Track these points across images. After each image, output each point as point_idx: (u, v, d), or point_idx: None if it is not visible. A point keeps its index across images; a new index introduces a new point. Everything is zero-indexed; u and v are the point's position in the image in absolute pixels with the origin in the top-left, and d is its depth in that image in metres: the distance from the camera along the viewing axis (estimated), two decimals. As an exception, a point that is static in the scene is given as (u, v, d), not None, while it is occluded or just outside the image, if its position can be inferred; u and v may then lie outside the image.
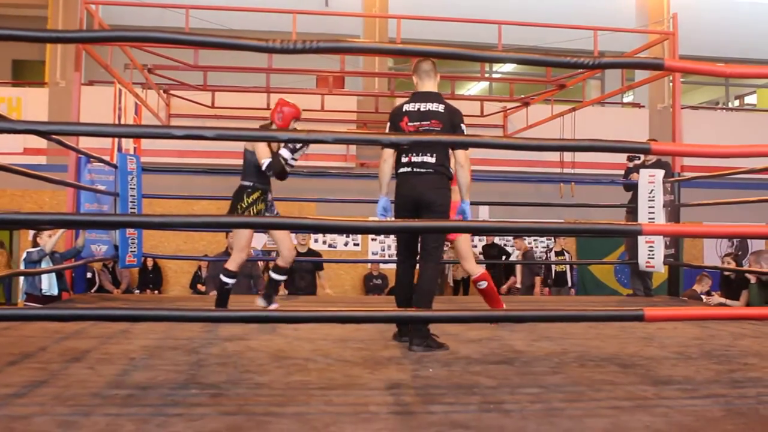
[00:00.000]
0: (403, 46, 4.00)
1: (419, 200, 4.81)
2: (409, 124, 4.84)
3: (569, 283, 12.40)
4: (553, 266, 12.48)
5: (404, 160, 4.86)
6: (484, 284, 5.80)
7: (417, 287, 4.82)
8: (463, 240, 5.88)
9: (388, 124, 4.97)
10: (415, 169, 4.83)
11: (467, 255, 5.87)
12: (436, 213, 4.78)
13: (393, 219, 4.97)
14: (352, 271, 13.21)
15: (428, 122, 4.80)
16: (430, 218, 4.73)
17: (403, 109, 4.91)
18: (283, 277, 6.45)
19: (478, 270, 5.86)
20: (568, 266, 12.31)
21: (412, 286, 4.96)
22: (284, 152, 5.93)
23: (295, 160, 6.07)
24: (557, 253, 12.64)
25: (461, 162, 4.85)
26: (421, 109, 4.84)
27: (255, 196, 6.14)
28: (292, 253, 6.34)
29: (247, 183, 6.18)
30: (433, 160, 4.79)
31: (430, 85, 4.96)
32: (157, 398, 3.23)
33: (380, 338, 4.99)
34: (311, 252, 9.46)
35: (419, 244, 4.90)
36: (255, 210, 6.12)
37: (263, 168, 5.98)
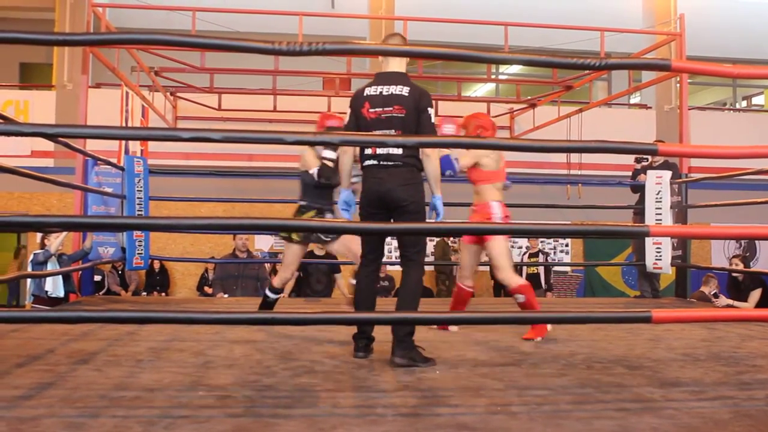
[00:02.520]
0: (409, 48, 4.00)
1: (387, 197, 4.35)
2: (371, 110, 4.35)
3: (543, 285, 12.25)
4: (524, 268, 12.38)
5: (368, 151, 4.39)
6: (521, 298, 5.16)
7: (399, 296, 4.41)
8: (497, 244, 5.27)
9: (349, 110, 4.49)
10: (381, 162, 4.36)
11: (501, 263, 5.26)
12: (410, 213, 4.33)
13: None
14: (358, 274, 13.18)
15: (391, 108, 4.31)
16: (404, 220, 4.32)
17: (365, 93, 4.42)
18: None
19: (515, 281, 5.24)
20: (542, 268, 12.17)
21: (375, 292, 4.58)
22: (326, 152, 5.60)
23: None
24: (532, 255, 12.58)
25: (426, 151, 4.32)
26: (384, 93, 4.33)
27: (309, 215, 5.89)
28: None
29: (302, 202, 5.95)
30: (400, 151, 4.28)
31: (395, 64, 4.43)
32: (164, 400, 3.24)
33: (386, 340, 4.98)
34: (328, 255, 9.45)
35: (400, 249, 4.47)
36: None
37: (315, 177, 5.72)
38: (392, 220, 4.39)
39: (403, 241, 4.44)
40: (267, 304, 5.99)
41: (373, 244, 4.58)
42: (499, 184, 5.42)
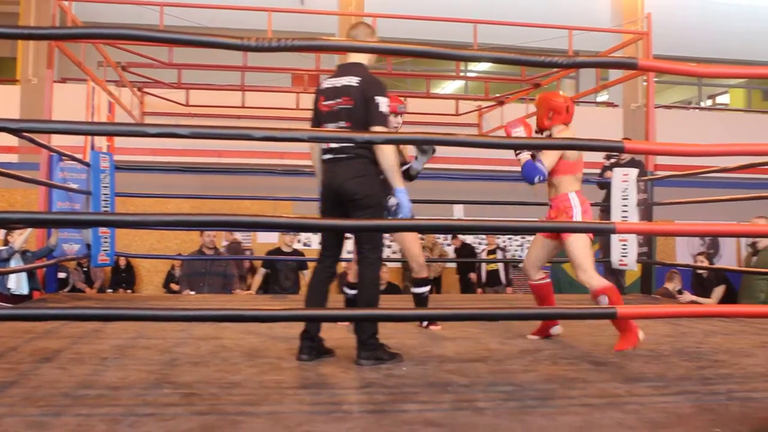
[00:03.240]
0: (378, 45, 4.00)
1: (339, 191, 4.22)
2: (324, 103, 4.28)
3: (503, 282, 12.30)
4: (483, 265, 12.42)
5: (323, 145, 4.32)
6: (605, 300, 4.65)
7: (357, 296, 4.30)
8: (578, 243, 4.79)
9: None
10: (335, 156, 4.25)
11: (581, 262, 4.80)
12: (362, 208, 4.17)
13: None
14: (327, 270, 13.17)
15: (340, 100, 4.20)
16: (357, 215, 4.18)
17: (321, 87, 4.37)
18: (424, 289, 5.78)
19: (597, 282, 4.76)
20: (501, 265, 12.21)
21: (325, 291, 4.40)
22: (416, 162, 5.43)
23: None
24: (490, 252, 12.63)
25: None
26: (336, 86, 4.24)
27: None
28: (420, 260, 5.70)
29: None
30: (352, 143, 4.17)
31: (354, 55, 4.33)
32: (129, 398, 3.21)
33: (353, 336, 4.99)
34: (296, 252, 9.43)
35: (355, 246, 4.40)
36: None
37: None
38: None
39: (358, 237, 4.33)
40: (347, 303, 5.84)
41: (327, 241, 4.47)
42: (579, 175, 5.04)
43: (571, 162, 4.94)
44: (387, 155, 4.12)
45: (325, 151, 4.30)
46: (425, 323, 5.56)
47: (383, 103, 4.14)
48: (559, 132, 5.01)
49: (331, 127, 4.23)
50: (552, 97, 5.10)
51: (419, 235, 6.64)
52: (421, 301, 5.73)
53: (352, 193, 4.18)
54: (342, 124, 4.18)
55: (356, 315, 4.16)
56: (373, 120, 4.12)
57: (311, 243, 13.29)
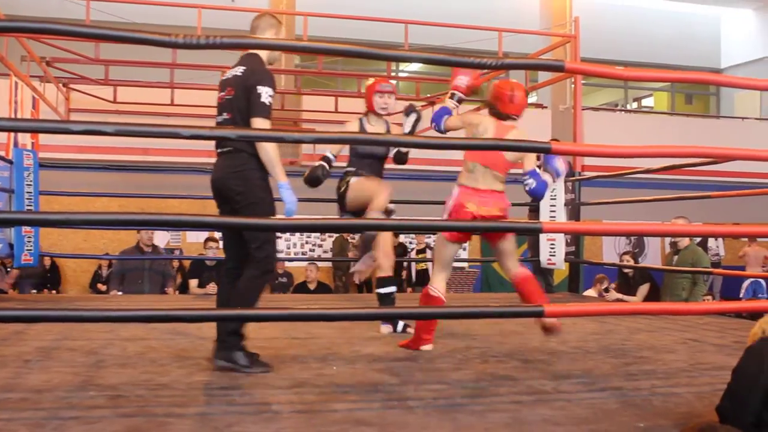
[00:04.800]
0: (309, 44, 4.00)
1: (220, 186, 4.04)
2: (219, 95, 4.12)
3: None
4: (413, 265, 12.49)
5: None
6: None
7: (235, 293, 4.00)
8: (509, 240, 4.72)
9: None
10: (219, 150, 4.07)
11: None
12: (240, 205, 3.96)
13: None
14: (257, 270, 13.08)
15: (224, 92, 4.06)
16: (237, 212, 3.97)
17: (221, 79, 4.19)
18: (391, 289, 5.41)
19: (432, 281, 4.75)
20: (431, 264, 12.28)
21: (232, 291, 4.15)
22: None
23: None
24: (419, 251, 12.71)
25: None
26: (227, 77, 4.09)
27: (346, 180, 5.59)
28: (389, 259, 5.42)
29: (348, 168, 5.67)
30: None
31: None
32: (53, 401, 3.15)
33: (284, 337, 4.97)
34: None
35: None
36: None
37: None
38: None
39: (245, 236, 4.04)
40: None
41: (226, 242, 4.22)
42: (470, 165, 4.63)
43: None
44: (265, 148, 3.91)
45: (215, 146, 4.13)
46: (400, 328, 5.30)
47: (265, 93, 3.90)
48: (482, 116, 4.72)
49: (218, 119, 4.07)
50: (499, 84, 4.70)
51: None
52: (386, 301, 5.37)
53: (228, 188, 4.00)
54: (225, 116, 4.02)
55: (306, 314, 4.12)
56: (253, 110, 3.91)
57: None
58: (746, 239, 13.14)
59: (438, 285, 4.67)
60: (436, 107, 4.80)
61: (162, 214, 3.70)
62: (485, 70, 4.28)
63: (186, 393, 3.36)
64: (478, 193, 4.57)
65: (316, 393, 3.40)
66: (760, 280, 11.35)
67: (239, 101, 3.94)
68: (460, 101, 4.84)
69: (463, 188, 4.60)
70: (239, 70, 4.01)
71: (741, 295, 11.44)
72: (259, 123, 3.88)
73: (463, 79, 4.77)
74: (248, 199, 3.95)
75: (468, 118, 4.83)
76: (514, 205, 9.57)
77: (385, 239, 5.42)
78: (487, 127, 4.58)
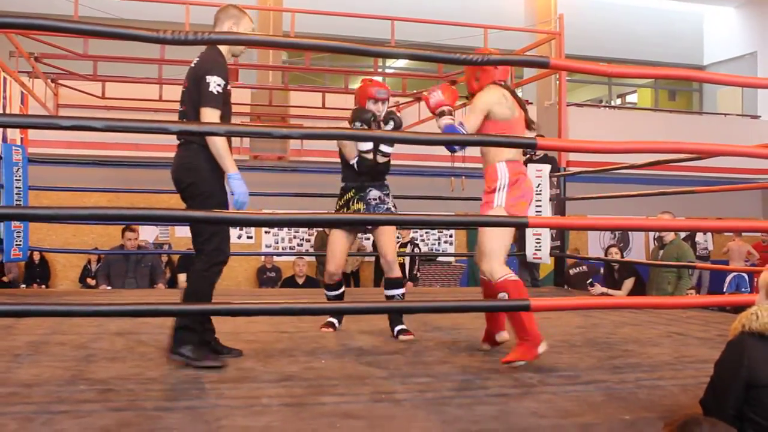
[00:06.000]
0: (296, 40, 3.97)
1: (174, 180, 3.98)
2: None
3: (406, 276, 12.22)
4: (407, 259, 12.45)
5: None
6: (504, 296, 4.04)
7: (186, 288, 3.98)
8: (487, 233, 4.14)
9: None
10: (177, 143, 3.99)
11: (489, 250, 4.12)
12: (188, 198, 3.94)
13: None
14: (245, 264, 13.05)
15: (182, 84, 3.99)
16: (188, 206, 3.93)
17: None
18: (400, 291, 5.10)
19: (500, 275, 4.08)
20: (407, 258, 12.17)
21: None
22: (362, 145, 4.98)
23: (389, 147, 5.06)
24: (402, 245, 12.68)
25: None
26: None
27: (348, 196, 5.17)
28: (394, 259, 5.09)
29: (342, 184, 5.26)
30: None
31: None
32: (43, 395, 3.13)
33: (273, 330, 4.96)
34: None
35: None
36: (351, 211, 5.12)
37: (356, 168, 5.10)
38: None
39: (191, 229, 3.98)
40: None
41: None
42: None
43: (502, 123, 4.12)
44: (213, 140, 3.78)
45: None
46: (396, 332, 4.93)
47: (213, 83, 3.80)
48: (488, 92, 4.17)
49: (179, 111, 4.00)
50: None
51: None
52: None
53: (178, 181, 3.95)
54: (181, 108, 3.97)
55: (294, 308, 4.10)
56: (201, 100, 3.81)
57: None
58: (731, 234, 13.20)
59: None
60: (442, 130, 4.11)
61: (150, 209, 3.68)
62: (470, 66, 4.18)
63: (176, 387, 3.35)
64: (521, 165, 4.28)
65: (304, 386, 3.40)
66: (743, 274, 11.42)
67: (192, 92, 3.88)
68: (451, 113, 4.29)
69: (511, 163, 4.13)
70: (194, 62, 3.95)
71: (724, 289, 11.51)
72: (207, 112, 3.78)
73: (436, 95, 4.18)
74: (194, 191, 3.90)
75: (481, 103, 4.13)
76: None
77: (388, 238, 5.09)
78: (505, 95, 4.18)
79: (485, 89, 4.17)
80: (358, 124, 4.83)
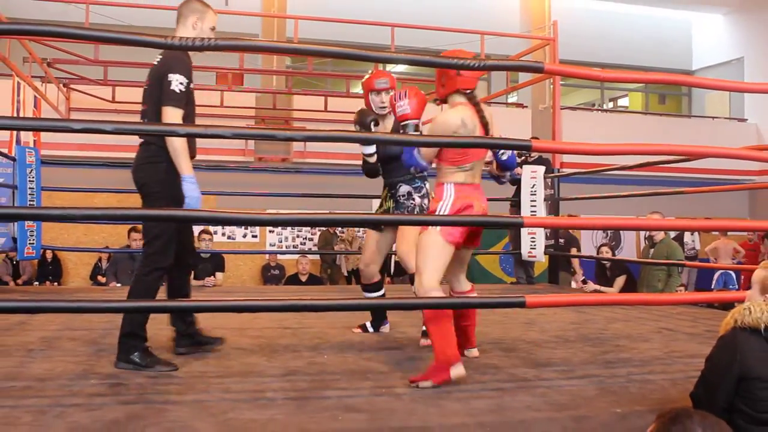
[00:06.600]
0: (299, 46, 3.98)
1: (133, 181, 3.87)
2: None
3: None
4: (393, 256, 12.34)
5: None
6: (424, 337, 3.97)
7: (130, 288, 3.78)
8: (422, 242, 3.65)
9: None
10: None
11: (420, 266, 3.63)
12: (144, 197, 3.84)
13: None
14: (250, 262, 13.06)
15: (145, 82, 3.84)
16: (144, 205, 3.83)
17: None
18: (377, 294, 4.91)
19: (426, 287, 3.57)
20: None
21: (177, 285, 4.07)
22: (365, 149, 4.69)
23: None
24: None
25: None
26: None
27: (384, 194, 4.94)
28: (401, 258, 4.75)
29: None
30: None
31: (179, 30, 3.90)
32: (56, 389, 3.13)
33: (277, 326, 4.96)
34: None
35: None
36: (382, 210, 4.94)
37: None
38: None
39: (142, 228, 3.82)
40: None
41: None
42: (468, 166, 3.67)
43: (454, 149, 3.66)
44: (170, 140, 3.64)
45: None
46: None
47: (175, 81, 3.65)
48: (453, 105, 3.79)
49: (141, 111, 3.87)
50: (444, 56, 3.76)
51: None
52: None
53: (135, 180, 3.84)
54: (143, 107, 3.84)
55: (298, 305, 4.10)
56: (164, 98, 3.65)
57: (235, 236, 13.15)
58: (717, 233, 13.20)
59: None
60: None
61: (157, 210, 3.67)
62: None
63: (183, 381, 3.35)
64: (478, 189, 3.76)
65: (307, 381, 3.40)
66: (730, 271, 11.41)
67: (154, 90, 3.73)
68: (417, 127, 4.09)
69: (461, 186, 3.67)
70: (156, 60, 3.82)
71: (712, 286, 11.50)
72: (168, 111, 3.64)
73: (403, 106, 3.98)
74: (148, 191, 3.80)
75: (440, 130, 3.67)
76: (498, 200, 9.65)
77: (410, 246, 4.43)
78: (466, 117, 3.69)
79: (449, 111, 3.72)
80: (358, 128, 4.62)
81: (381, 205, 4.98)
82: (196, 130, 3.37)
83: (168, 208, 3.66)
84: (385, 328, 4.94)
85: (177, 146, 3.64)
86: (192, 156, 3.89)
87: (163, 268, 3.77)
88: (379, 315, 4.91)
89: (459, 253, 3.81)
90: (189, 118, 3.80)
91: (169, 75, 3.66)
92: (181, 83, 3.68)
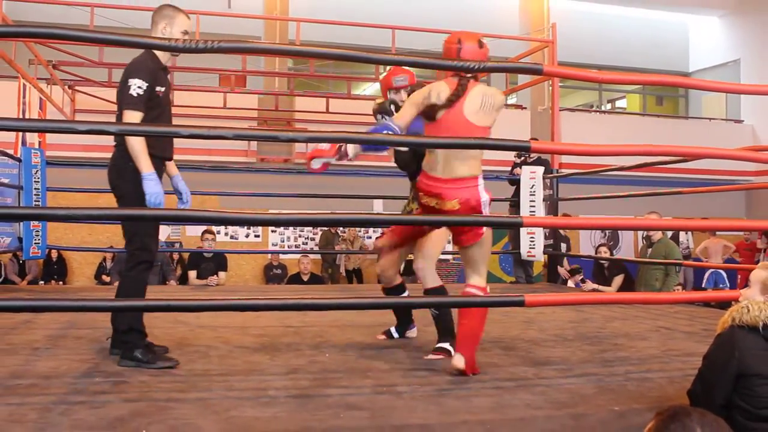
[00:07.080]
0: (301, 48, 3.96)
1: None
2: None
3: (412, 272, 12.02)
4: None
5: None
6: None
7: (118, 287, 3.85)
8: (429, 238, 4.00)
9: None
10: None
11: (426, 253, 4.04)
12: (117, 198, 3.86)
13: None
14: (252, 262, 13.07)
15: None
16: (119, 207, 3.84)
17: None
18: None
19: (432, 282, 4.02)
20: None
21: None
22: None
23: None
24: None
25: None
26: None
27: (411, 195, 4.72)
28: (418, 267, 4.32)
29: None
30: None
31: (153, 31, 3.89)
32: (61, 387, 3.13)
33: (279, 325, 4.96)
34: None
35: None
36: (408, 210, 4.72)
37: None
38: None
39: (123, 228, 3.86)
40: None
41: None
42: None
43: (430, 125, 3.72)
44: (129, 139, 3.62)
45: None
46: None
47: (134, 85, 3.64)
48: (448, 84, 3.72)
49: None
50: (447, 39, 3.79)
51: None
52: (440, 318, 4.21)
53: (109, 182, 3.85)
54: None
55: (302, 304, 4.09)
56: (122, 102, 3.68)
57: (238, 236, 13.15)
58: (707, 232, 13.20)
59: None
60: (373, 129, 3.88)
61: (161, 210, 3.67)
62: (467, 73, 4.06)
63: (187, 379, 3.34)
64: (437, 182, 3.86)
65: (309, 379, 3.39)
66: (720, 271, 11.39)
67: (119, 95, 3.76)
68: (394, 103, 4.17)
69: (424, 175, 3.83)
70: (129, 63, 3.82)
71: (703, 285, 11.49)
72: (127, 115, 3.64)
73: (402, 78, 4.20)
74: (120, 192, 3.83)
75: (413, 97, 3.75)
76: (497, 200, 9.62)
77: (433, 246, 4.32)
78: (439, 90, 3.67)
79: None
80: (379, 116, 4.42)
81: (406, 206, 4.80)
82: (199, 132, 3.36)
83: (168, 208, 3.67)
84: (412, 333, 4.73)
85: (134, 145, 3.62)
86: (168, 158, 3.99)
87: (146, 261, 3.79)
88: (404, 319, 4.73)
89: (462, 252, 3.89)
90: (161, 119, 3.81)
91: (129, 80, 3.67)
92: (139, 87, 3.66)
